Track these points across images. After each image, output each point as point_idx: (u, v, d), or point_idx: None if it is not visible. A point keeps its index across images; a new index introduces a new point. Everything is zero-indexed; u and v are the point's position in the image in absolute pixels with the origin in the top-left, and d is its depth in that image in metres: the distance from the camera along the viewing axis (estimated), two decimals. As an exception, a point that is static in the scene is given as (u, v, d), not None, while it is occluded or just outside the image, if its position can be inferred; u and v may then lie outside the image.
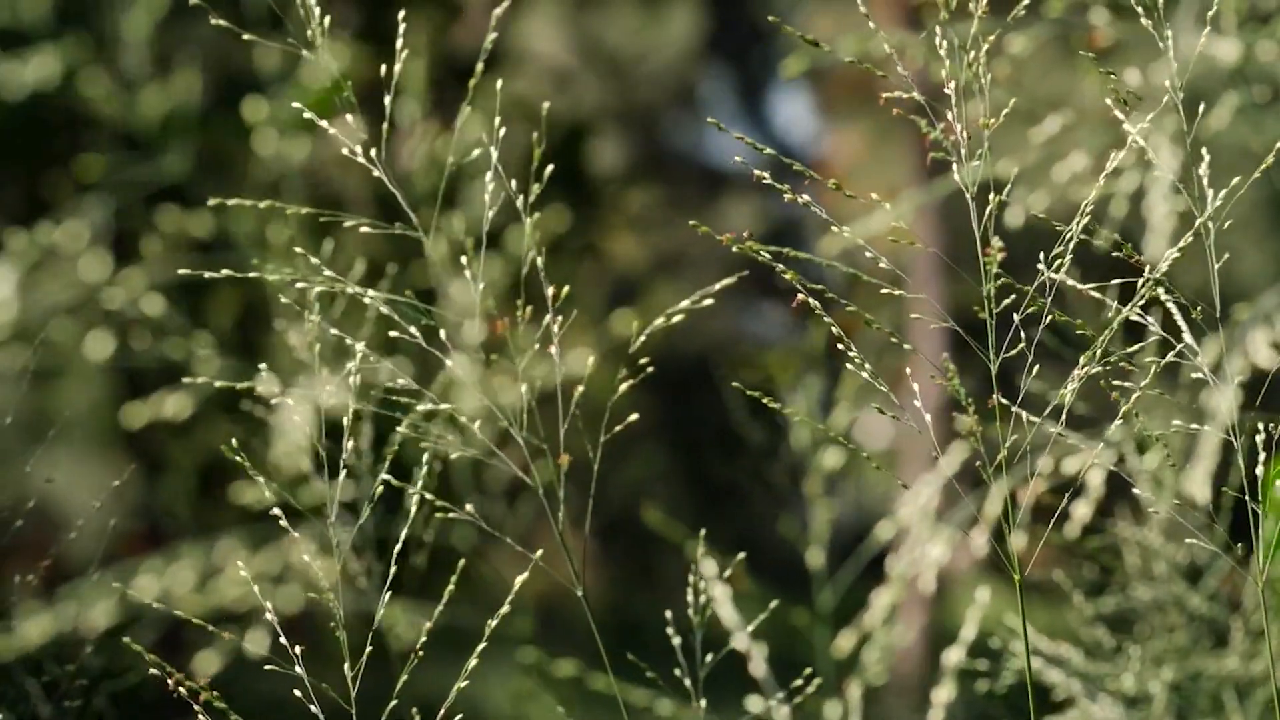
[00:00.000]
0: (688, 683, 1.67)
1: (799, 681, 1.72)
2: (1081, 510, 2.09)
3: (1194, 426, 1.51)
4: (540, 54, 11.37)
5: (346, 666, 1.54)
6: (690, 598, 1.68)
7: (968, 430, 1.47)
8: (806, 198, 1.50)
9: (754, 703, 1.77)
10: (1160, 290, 1.49)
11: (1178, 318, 1.49)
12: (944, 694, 1.88)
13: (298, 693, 1.54)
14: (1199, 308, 1.48)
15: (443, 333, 1.59)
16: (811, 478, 2.56)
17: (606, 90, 12.28)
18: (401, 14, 1.66)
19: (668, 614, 1.69)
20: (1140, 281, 1.48)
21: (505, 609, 1.55)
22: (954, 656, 1.90)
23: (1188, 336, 1.49)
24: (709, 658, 1.67)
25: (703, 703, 1.66)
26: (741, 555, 1.75)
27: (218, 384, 1.64)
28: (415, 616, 1.50)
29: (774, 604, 1.74)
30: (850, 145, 12.22)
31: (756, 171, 1.52)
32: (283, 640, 1.52)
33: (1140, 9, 1.46)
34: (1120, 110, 1.47)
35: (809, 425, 2.08)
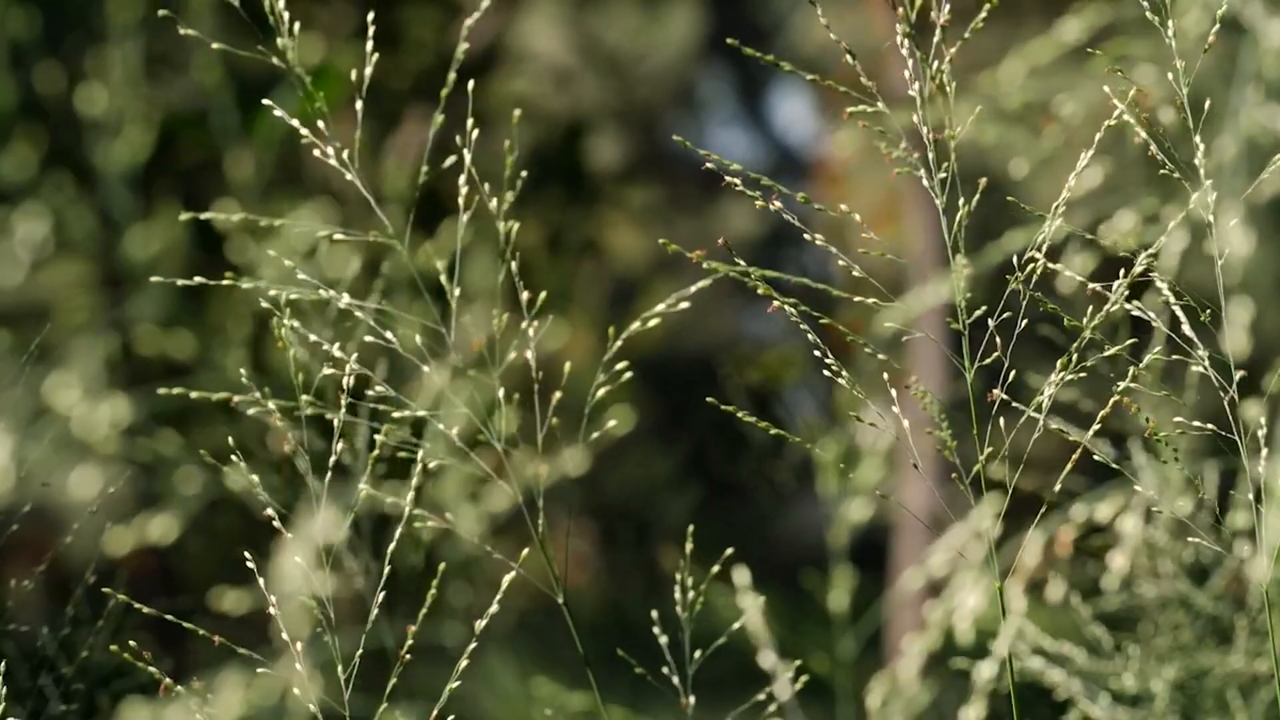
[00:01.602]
0: (675, 680, 1.66)
1: (790, 674, 1.72)
2: (1119, 562, 2.09)
3: (1198, 425, 1.50)
4: (540, 53, 11.36)
5: (340, 669, 1.53)
6: (678, 594, 1.68)
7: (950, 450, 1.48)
8: (778, 204, 1.52)
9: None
10: (1163, 287, 1.49)
11: (1178, 311, 1.49)
12: (973, 713, 1.86)
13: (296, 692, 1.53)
14: (1207, 311, 1.48)
15: (417, 338, 1.58)
16: (838, 528, 2.57)
17: (606, 90, 12.27)
18: (370, 16, 1.64)
19: (654, 613, 1.69)
20: (1120, 277, 1.48)
21: (494, 608, 1.54)
22: (986, 672, 1.89)
23: (1187, 328, 1.48)
24: (697, 654, 1.66)
25: (691, 700, 1.65)
26: (729, 550, 1.75)
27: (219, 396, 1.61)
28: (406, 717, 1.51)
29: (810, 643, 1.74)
30: (850, 145, 12.20)
31: (728, 178, 1.52)
32: (285, 636, 1.51)
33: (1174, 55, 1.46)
34: (1158, 148, 1.47)
35: (837, 477, 2.08)
